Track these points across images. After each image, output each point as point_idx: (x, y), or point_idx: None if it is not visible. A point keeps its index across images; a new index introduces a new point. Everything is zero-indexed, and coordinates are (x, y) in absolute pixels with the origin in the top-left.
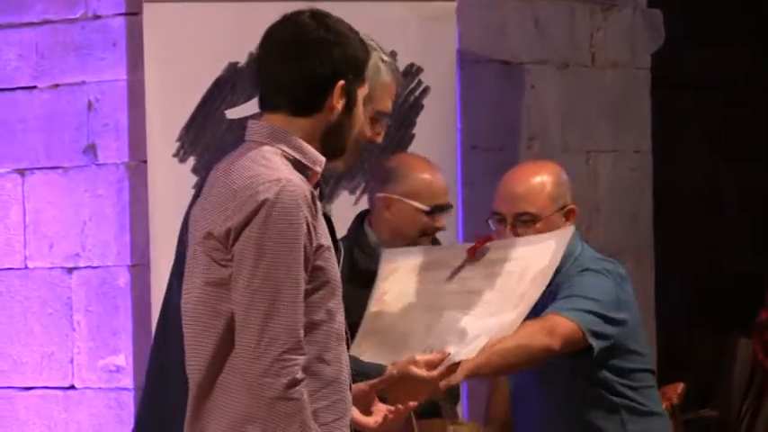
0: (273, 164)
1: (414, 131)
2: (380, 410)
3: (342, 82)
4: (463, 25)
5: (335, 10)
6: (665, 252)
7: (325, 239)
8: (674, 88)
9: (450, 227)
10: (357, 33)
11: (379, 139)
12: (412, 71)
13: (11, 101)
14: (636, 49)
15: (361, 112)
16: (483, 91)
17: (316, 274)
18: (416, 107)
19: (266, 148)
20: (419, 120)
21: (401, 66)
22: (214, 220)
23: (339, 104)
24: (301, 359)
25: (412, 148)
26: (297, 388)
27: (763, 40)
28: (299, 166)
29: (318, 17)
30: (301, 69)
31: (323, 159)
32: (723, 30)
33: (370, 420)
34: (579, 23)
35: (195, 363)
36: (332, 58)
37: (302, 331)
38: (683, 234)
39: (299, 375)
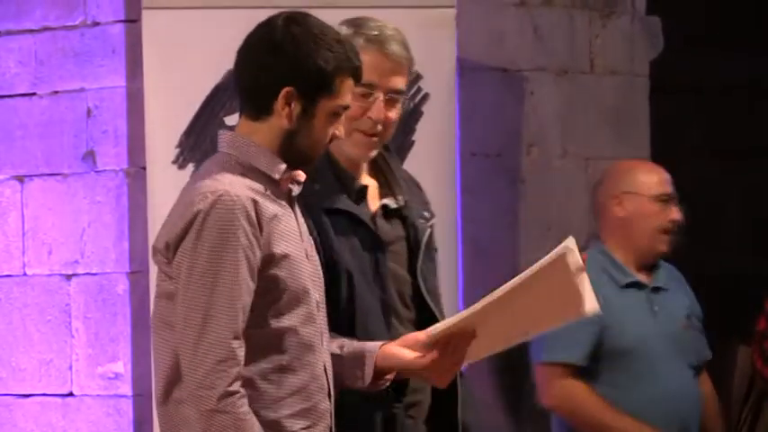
0: (220, 175)
1: (413, 138)
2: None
3: (287, 89)
4: (462, 32)
5: (333, 16)
6: (664, 258)
7: (284, 247)
8: (674, 95)
9: (450, 232)
10: (333, 43)
11: (382, 115)
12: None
13: (10, 107)
14: (634, 56)
15: (322, 124)
16: (482, 98)
17: (270, 284)
18: (416, 114)
19: (223, 158)
20: (418, 126)
21: None
22: (159, 234)
23: (286, 111)
24: (234, 371)
25: (411, 154)
26: (230, 399)
27: (763, 45)
28: (257, 174)
29: (290, 22)
30: (251, 72)
31: (282, 166)
32: (722, 36)
33: (419, 360)
34: (578, 31)
35: (156, 378)
36: (280, 64)
37: (239, 342)
38: (683, 240)
39: (233, 387)
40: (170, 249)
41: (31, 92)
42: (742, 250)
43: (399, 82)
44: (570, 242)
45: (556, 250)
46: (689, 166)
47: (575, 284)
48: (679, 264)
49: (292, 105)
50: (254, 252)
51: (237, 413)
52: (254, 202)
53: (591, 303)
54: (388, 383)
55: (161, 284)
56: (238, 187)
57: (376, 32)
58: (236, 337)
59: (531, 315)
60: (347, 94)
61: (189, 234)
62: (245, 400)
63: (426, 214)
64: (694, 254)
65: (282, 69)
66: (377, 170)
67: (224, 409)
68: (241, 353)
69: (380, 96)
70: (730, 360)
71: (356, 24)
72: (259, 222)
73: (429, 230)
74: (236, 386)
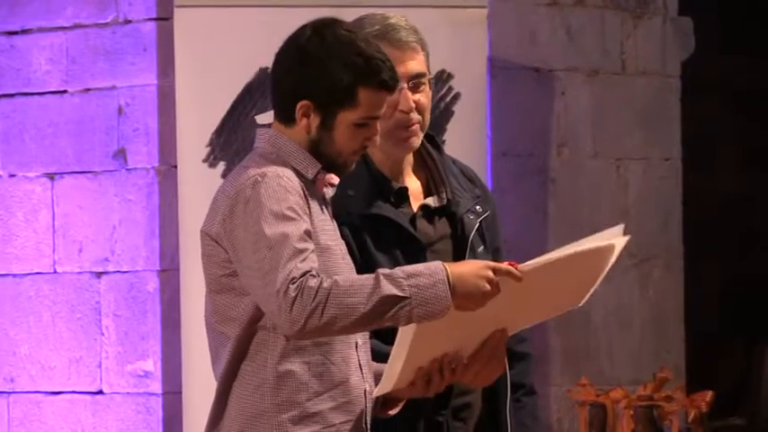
0: (265, 164)
1: (444, 138)
2: None
3: (303, 102)
4: (494, 32)
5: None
6: (695, 259)
7: (326, 239)
8: (705, 95)
9: None
10: (353, 56)
11: (411, 103)
12: (443, 77)
13: (41, 105)
14: (666, 56)
15: (344, 135)
16: (513, 97)
17: None
18: (447, 113)
19: (263, 152)
20: (450, 126)
21: (432, 72)
22: (207, 221)
23: (303, 122)
24: (303, 264)
25: None
26: (297, 282)
27: None
28: (294, 172)
29: (315, 33)
30: (277, 80)
31: (317, 167)
32: (754, 37)
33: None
34: (610, 31)
35: (216, 372)
36: (298, 77)
37: (305, 243)
38: (714, 241)
39: (299, 272)
40: (222, 227)
41: (63, 89)
42: None
43: (415, 66)
44: (619, 231)
45: (612, 236)
46: (720, 166)
47: (598, 276)
48: (709, 267)
49: (310, 117)
50: (308, 220)
51: (310, 288)
52: (302, 188)
53: (586, 295)
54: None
55: (213, 281)
56: (286, 172)
57: (377, 27)
58: (301, 239)
59: (541, 301)
60: (373, 105)
61: (241, 205)
62: (318, 278)
63: (478, 208)
64: (725, 256)
65: (300, 83)
66: (423, 168)
67: (296, 291)
68: (311, 247)
69: (404, 86)
70: (759, 363)
71: (358, 26)
72: (307, 206)
73: (477, 225)
74: (305, 270)
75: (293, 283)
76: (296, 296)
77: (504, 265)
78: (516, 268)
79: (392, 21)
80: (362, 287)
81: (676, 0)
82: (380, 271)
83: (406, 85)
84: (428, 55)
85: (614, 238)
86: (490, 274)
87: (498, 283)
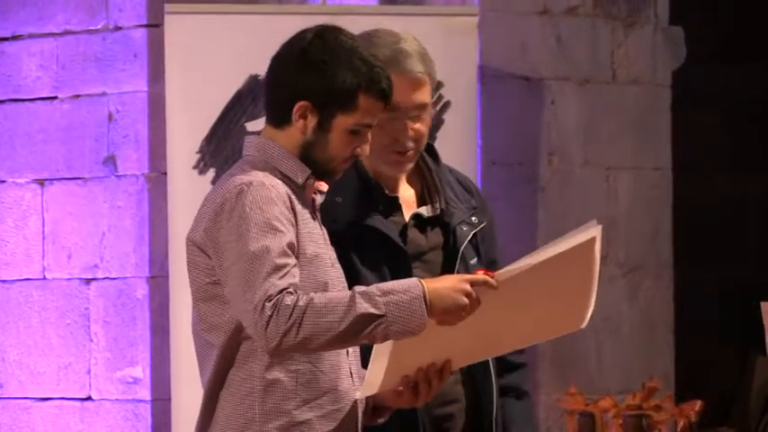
0: (252, 172)
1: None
2: None
3: (302, 103)
4: (485, 40)
5: (357, 24)
6: (685, 268)
7: (314, 248)
8: (696, 105)
9: None
10: (356, 61)
11: (409, 134)
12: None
13: (31, 111)
14: (657, 66)
15: (339, 140)
16: (504, 106)
17: (301, 284)
18: (437, 122)
19: (251, 159)
20: (439, 134)
21: None
22: (193, 228)
23: (300, 123)
24: (281, 282)
25: None
26: (274, 299)
27: None
28: (283, 178)
29: (318, 37)
30: (274, 82)
31: (307, 172)
32: (745, 46)
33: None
34: (600, 40)
35: (203, 380)
36: (298, 78)
37: (287, 259)
38: (704, 251)
39: (276, 290)
40: (207, 235)
41: (53, 96)
42: (762, 262)
43: (421, 96)
44: (596, 228)
45: (584, 232)
46: (711, 179)
47: (591, 282)
48: (699, 275)
49: (308, 118)
50: (292, 230)
51: (286, 306)
52: (289, 196)
53: (587, 315)
54: (386, 417)
55: (198, 290)
56: (273, 180)
57: (386, 52)
58: (282, 254)
59: (534, 313)
60: (370, 113)
61: (226, 214)
62: (294, 296)
63: (474, 219)
64: (715, 265)
65: (300, 83)
66: (419, 176)
67: (272, 309)
68: (292, 262)
69: (404, 116)
70: (749, 372)
71: (367, 45)
72: (294, 214)
73: (470, 236)
74: (282, 287)
75: (269, 301)
76: (271, 314)
77: (481, 276)
78: (492, 277)
79: (402, 46)
80: (338, 305)
81: (667, 9)
82: (356, 288)
83: (406, 116)
84: (435, 80)
85: (590, 232)
86: (467, 287)
87: (477, 297)
